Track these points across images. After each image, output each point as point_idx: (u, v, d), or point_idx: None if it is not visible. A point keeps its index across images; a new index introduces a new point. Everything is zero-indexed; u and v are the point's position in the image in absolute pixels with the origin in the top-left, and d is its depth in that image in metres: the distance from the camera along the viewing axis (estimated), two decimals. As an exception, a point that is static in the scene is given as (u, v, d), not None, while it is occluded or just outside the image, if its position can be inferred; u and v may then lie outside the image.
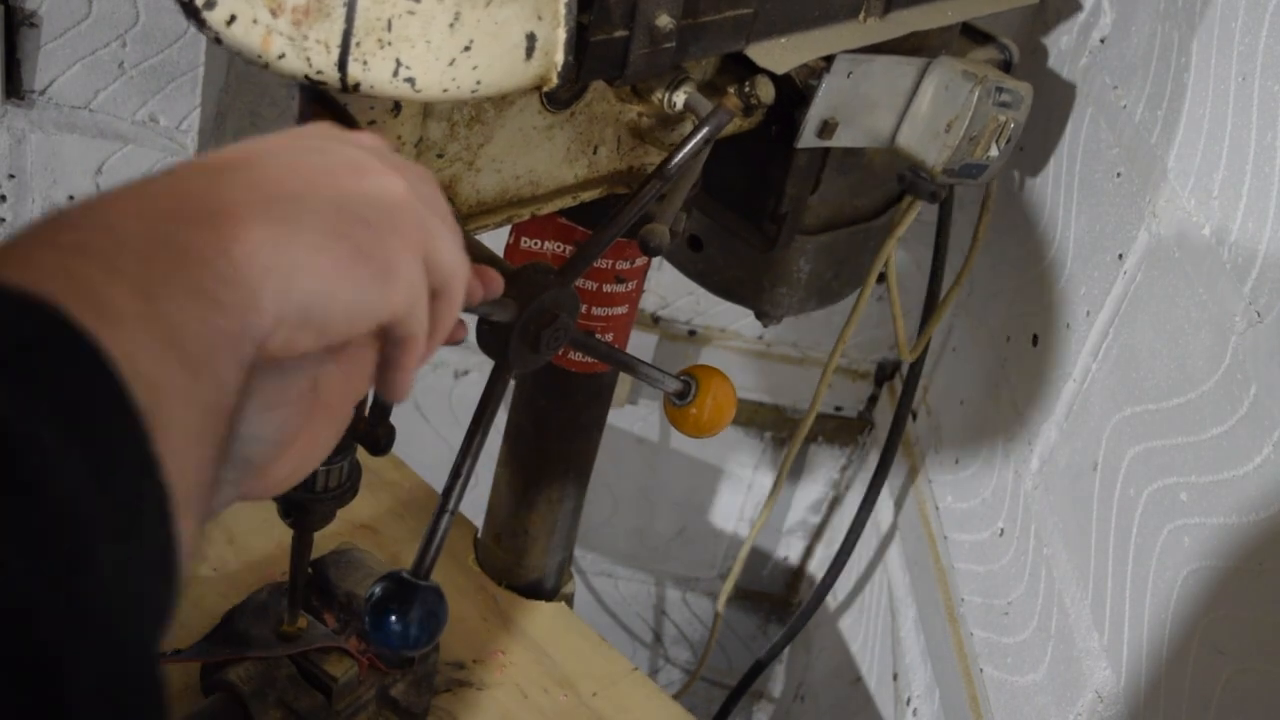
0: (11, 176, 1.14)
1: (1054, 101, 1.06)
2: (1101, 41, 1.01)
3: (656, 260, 1.29)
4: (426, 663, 0.87)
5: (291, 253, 0.39)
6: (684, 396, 0.78)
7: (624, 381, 1.35)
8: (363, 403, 0.70)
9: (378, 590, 0.62)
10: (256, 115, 1.23)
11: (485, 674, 0.93)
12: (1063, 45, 1.07)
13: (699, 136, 0.62)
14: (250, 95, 1.22)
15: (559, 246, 0.81)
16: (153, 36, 1.08)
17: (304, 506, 0.73)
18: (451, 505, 0.64)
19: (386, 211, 0.43)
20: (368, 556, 0.90)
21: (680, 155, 0.62)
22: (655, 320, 1.37)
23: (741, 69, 0.68)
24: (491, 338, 0.62)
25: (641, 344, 1.34)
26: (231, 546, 0.98)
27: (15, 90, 1.09)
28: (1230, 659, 0.72)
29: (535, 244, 0.81)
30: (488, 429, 0.64)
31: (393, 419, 0.70)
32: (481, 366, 1.35)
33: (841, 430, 1.47)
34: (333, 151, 0.44)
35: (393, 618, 0.62)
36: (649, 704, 0.93)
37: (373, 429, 0.67)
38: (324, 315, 0.40)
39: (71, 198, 1.16)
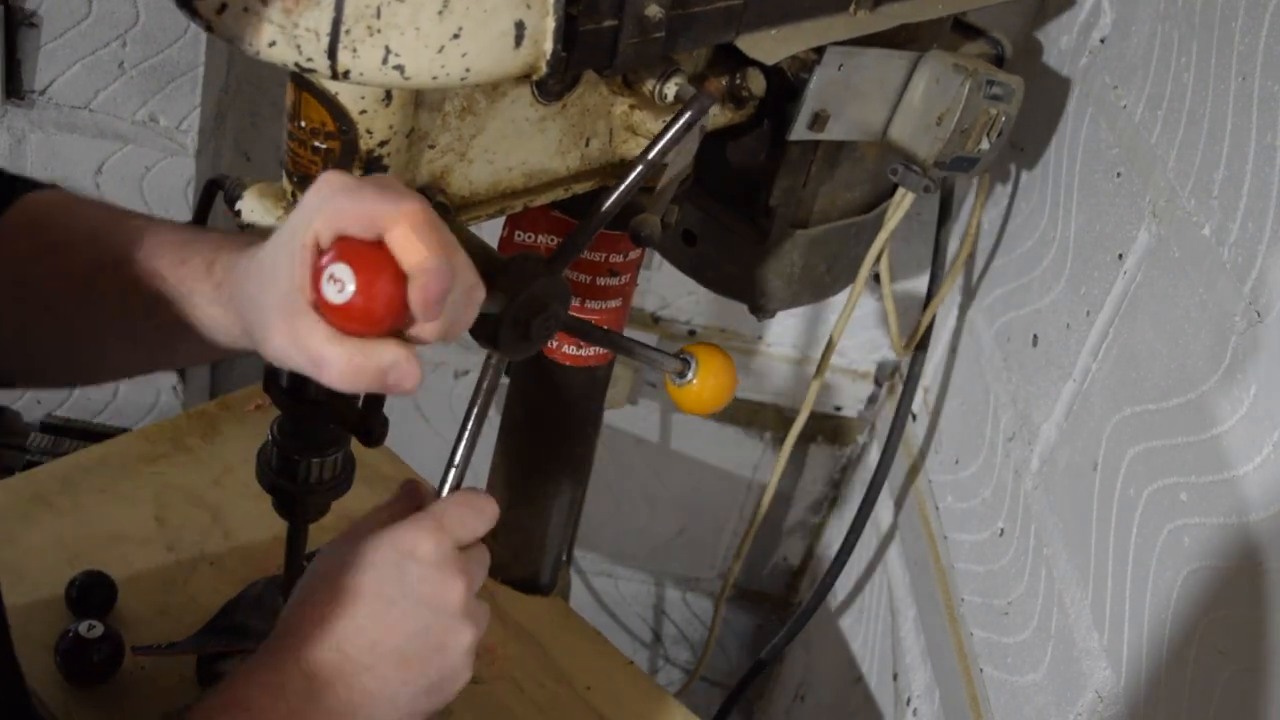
0: (12, 175, 1.14)
1: (1054, 101, 1.05)
2: (1101, 41, 1.01)
3: (656, 260, 1.29)
4: None
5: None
6: (684, 375, 0.78)
7: (624, 381, 1.35)
8: (356, 395, 0.70)
9: None
10: (256, 115, 1.24)
11: (481, 668, 0.93)
12: (1062, 45, 1.07)
13: (683, 121, 0.62)
14: (250, 95, 1.23)
15: (552, 240, 0.81)
16: (153, 36, 1.08)
17: (299, 499, 0.73)
18: (445, 494, 0.64)
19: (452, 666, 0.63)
20: None
21: (665, 140, 0.62)
22: (655, 320, 1.36)
23: (732, 61, 0.68)
24: (483, 327, 0.62)
25: (641, 344, 1.34)
26: (227, 540, 0.98)
27: (15, 90, 1.09)
28: (1230, 659, 0.72)
29: (529, 237, 0.81)
30: (482, 419, 0.64)
31: (392, 420, 0.70)
32: (480, 367, 1.34)
33: (841, 430, 1.46)
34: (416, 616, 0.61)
35: None
36: (644, 698, 0.93)
37: (366, 421, 0.67)
38: None
39: (72, 197, 1.16)
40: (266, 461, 0.73)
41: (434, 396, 1.42)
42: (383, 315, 0.51)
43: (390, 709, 0.60)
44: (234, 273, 0.58)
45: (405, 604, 0.60)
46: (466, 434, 0.65)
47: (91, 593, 0.88)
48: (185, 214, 1.17)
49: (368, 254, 0.50)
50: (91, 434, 1.27)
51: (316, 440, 0.72)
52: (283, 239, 0.53)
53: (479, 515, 0.63)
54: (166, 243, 0.61)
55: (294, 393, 0.70)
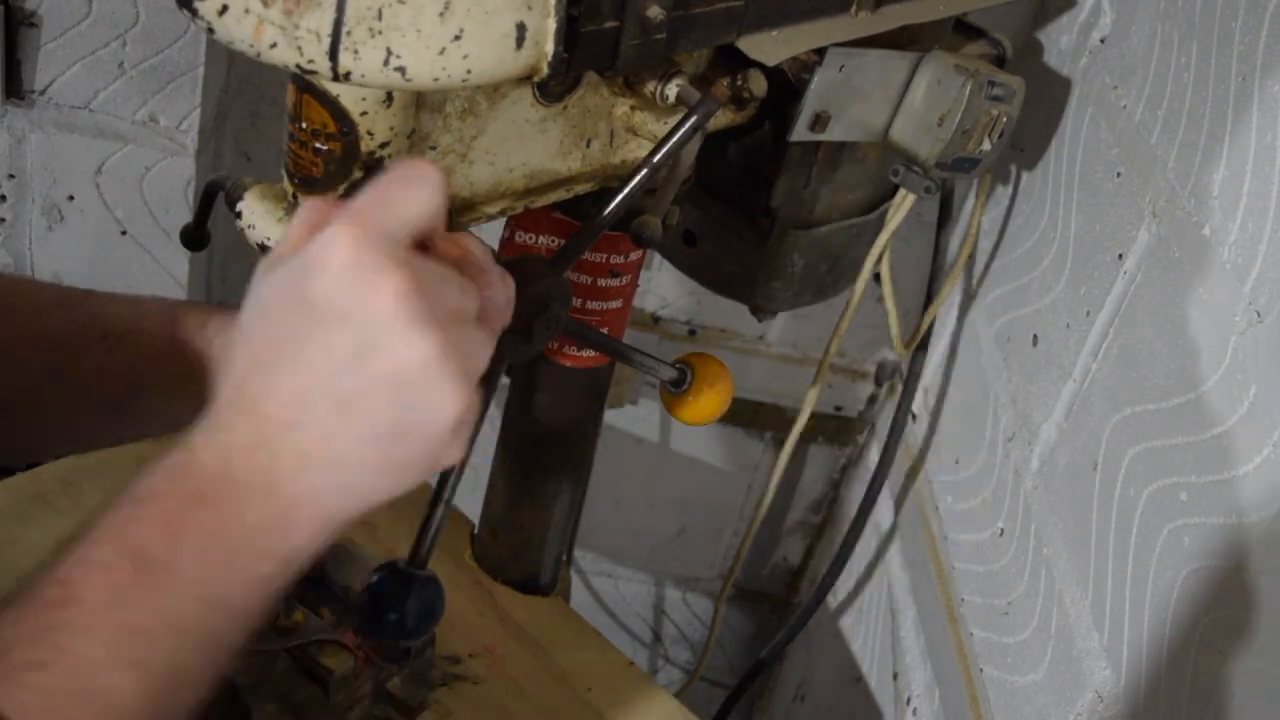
0: (11, 176, 1.14)
1: (1054, 101, 1.05)
2: (1101, 41, 1.01)
3: (656, 260, 1.29)
4: (423, 656, 0.87)
5: (338, 500, 0.47)
6: (680, 384, 0.78)
7: (624, 381, 1.35)
8: None
9: (375, 580, 0.62)
10: (257, 115, 1.23)
11: (481, 668, 0.93)
12: (1062, 45, 1.07)
13: (688, 125, 0.62)
14: (250, 95, 1.22)
15: (554, 241, 0.81)
16: (153, 36, 1.08)
17: None
18: (447, 495, 0.64)
19: (423, 422, 0.47)
20: (364, 551, 0.90)
21: (670, 144, 0.62)
22: (655, 320, 1.36)
23: (733, 62, 0.68)
24: None
25: (641, 344, 1.34)
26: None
27: (15, 90, 1.09)
28: (1230, 659, 0.72)
29: (530, 238, 0.81)
30: (481, 419, 0.64)
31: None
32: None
33: (841, 430, 1.46)
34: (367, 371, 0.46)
35: (390, 608, 0.62)
36: (644, 698, 0.93)
37: None
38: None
39: (71, 198, 1.16)
40: None
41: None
42: None
43: (338, 472, 0.47)
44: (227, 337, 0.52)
45: (322, 331, 0.45)
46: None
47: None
48: (185, 214, 1.17)
49: None
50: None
51: None
52: None
53: (409, 190, 0.48)
54: (155, 310, 0.58)
55: None
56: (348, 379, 0.45)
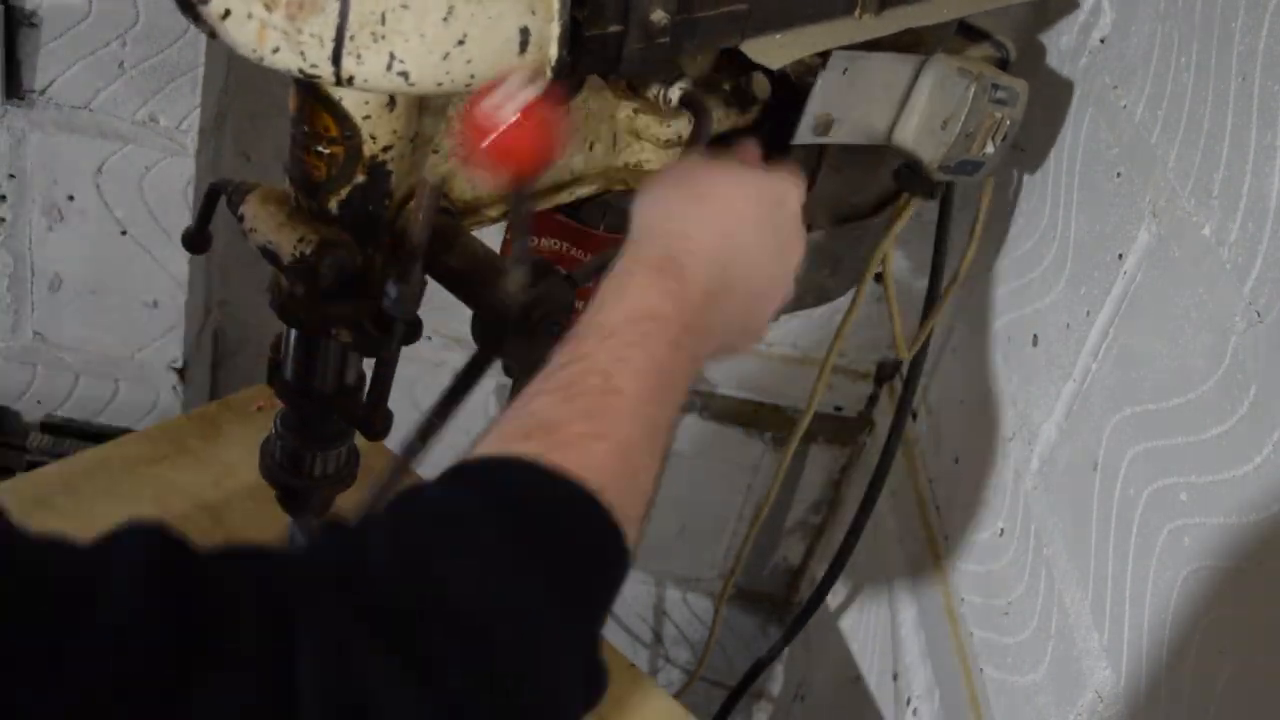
0: (11, 176, 1.14)
1: (1054, 102, 1.05)
2: (1101, 41, 1.01)
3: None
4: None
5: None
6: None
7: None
8: (360, 388, 0.71)
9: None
10: (257, 116, 1.23)
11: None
12: (1063, 45, 1.07)
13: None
14: (250, 96, 1.22)
15: (556, 244, 0.81)
16: (153, 36, 1.08)
17: (302, 493, 0.73)
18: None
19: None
20: None
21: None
22: (655, 321, 1.36)
23: (737, 65, 0.68)
24: (488, 329, 0.62)
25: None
26: (229, 541, 0.98)
27: (15, 90, 1.09)
28: (1230, 659, 0.72)
29: (533, 241, 0.81)
30: (461, 394, 0.65)
31: (394, 418, 0.71)
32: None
33: (841, 430, 1.46)
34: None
35: None
36: (644, 700, 0.93)
37: (370, 413, 0.67)
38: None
39: (71, 198, 1.16)
40: (271, 455, 0.73)
41: (433, 396, 1.41)
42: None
43: (735, 337, 0.63)
44: None
45: (773, 246, 0.63)
46: (444, 409, 0.65)
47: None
48: (185, 214, 1.17)
49: None
50: (91, 434, 1.27)
51: (321, 434, 0.72)
52: None
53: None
54: None
55: (300, 387, 0.70)
56: (766, 288, 0.64)
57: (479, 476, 0.48)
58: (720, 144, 0.73)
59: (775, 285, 0.65)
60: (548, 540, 0.46)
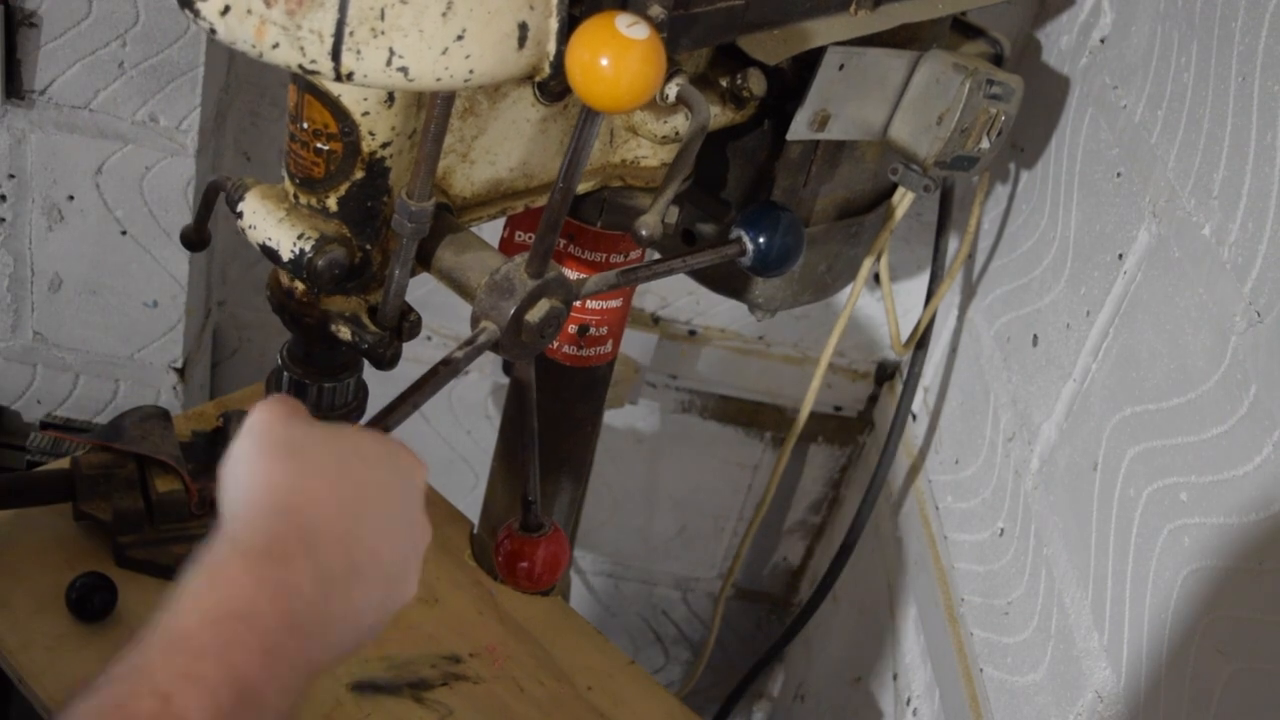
0: (11, 176, 1.14)
1: (1054, 101, 1.05)
2: (1101, 41, 1.01)
3: (655, 258, 1.29)
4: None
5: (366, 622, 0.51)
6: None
7: (624, 381, 1.35)
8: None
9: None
10: (257, 115, 1.23)
11: (482, 667, 0.93)
12: (1062, 45, 1.07)
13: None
14: (250, 95, 1.22)
15: (554, 241, 0.81)
16: (153, 36, 1.08)
17: None
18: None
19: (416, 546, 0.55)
20: None
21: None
22: (655, 320, 1.36)
23: (734, 61, 0.68)
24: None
25: (642, 344, 1.34)
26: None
27: (15, 90, 1.09)
28: (1230, 659, 0.72)
29: (529, 238, 0.81)
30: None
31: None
32: (481, 366, 1.34)
33: (841, 430, 1.46)
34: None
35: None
36: (645, 697, 0.93)
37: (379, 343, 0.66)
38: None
39: (71, 198, 1.16)
40: (277, 388, 0.72)
41: (434, 396, 1.41)
42: None
43: (362, 633, 0.52)
44: None
45: (405, 522, 0.54)
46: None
47: (92, 595, 0.88)
48: (185, 214, 1.17)
49: None
50: (91, 433, 1.27)
51: (328, 365, 0.71)
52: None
53: None
54: None
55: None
56: (398, 558, 0.53)
57: None
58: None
59: (407, 570, 0.53)
60: None
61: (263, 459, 0.51)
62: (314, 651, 0.47)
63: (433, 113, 0.56)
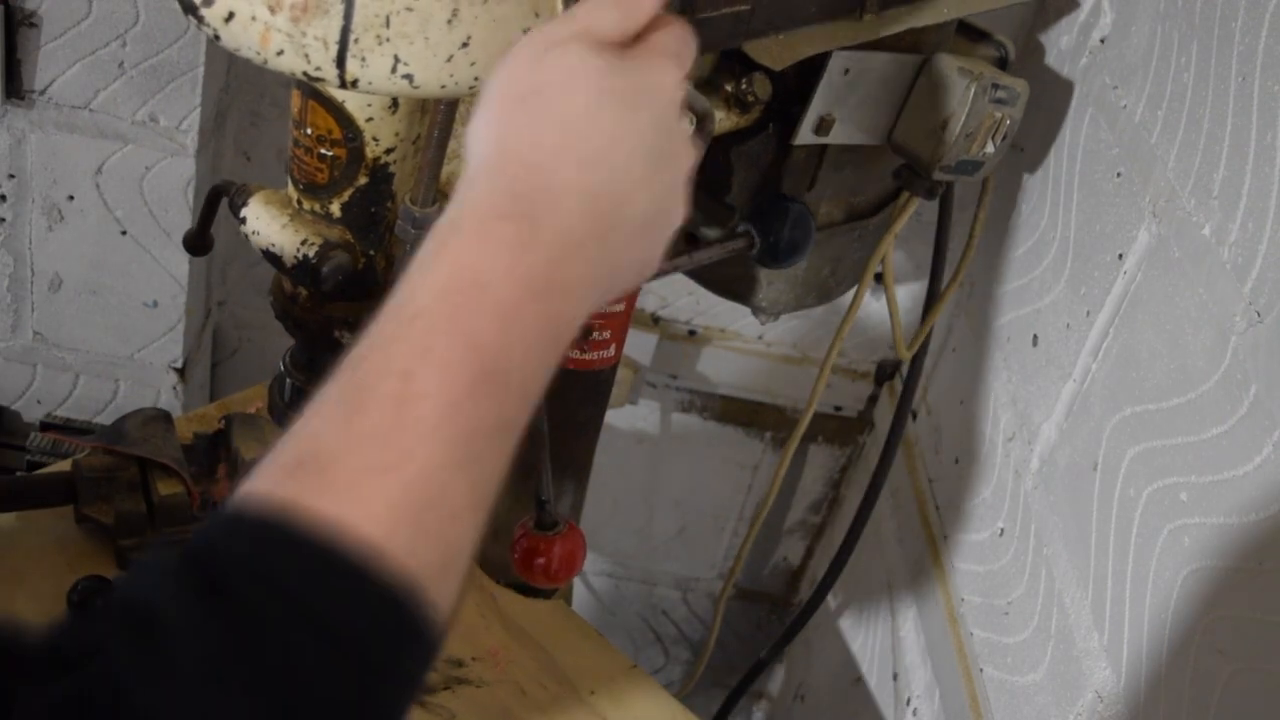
0: (11, 176, 1.14)
1: (1054, 102, 1.05)
2: (1101, 41, 1.01)
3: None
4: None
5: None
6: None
7: (624, 381, 1.35)
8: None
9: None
10: (257, 115, 1.23)
11: (484, 671, 0.93)
12: (1062, 45, 1.07)
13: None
14: (250, 95, 1.22)
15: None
16: (153, 36, 1.08)
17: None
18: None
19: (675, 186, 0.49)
20: (270, 425, 0.93)
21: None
22: (655, 320, 1.36)
23: (739, 66, 0.68)
24: None
25: (641, 344, 1.34)
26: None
27: (15, 90, 1.09)
28: (1230, 659, 0.72)
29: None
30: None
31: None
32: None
33: (841, 430, 1.47)
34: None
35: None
36: (647, 700, 0.93)
37: None
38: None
39: (71, 198, 1.16)
40: (280, 394, 0.72)
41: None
42: None
43: (623, 279, 0.48)
44: None
45: (655, 153, 0.47)
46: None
47: (94, 598, 0.88)
48: (185, 214, 1.17)
49: None
50: (91, 434, 1.27)
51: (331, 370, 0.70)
52: None
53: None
54: None
55: (295, 405, 0.70)
56: (656, 205, 0.48)
57: (212, 558, 0.37)
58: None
59: (666, 205, 0.48)
60: (282, 657, 0.36)
61: (499, 112, 0.46)
62: (556, 317, 0.44)
63: (436, 119, 0.57)
